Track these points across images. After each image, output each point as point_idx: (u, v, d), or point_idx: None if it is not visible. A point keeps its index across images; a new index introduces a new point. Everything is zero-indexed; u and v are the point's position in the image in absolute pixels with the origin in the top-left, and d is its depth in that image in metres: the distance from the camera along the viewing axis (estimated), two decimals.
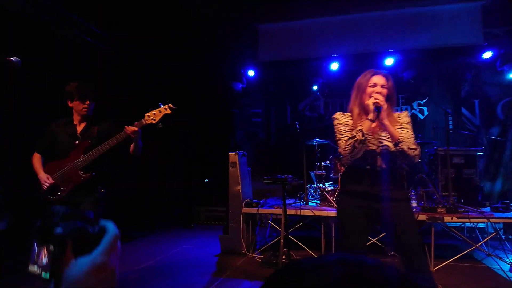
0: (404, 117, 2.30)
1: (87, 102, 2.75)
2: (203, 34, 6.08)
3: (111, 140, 2.65)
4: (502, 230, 4.59)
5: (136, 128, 2.67)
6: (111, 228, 0.47)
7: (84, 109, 2.75)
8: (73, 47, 4.94)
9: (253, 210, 4.63)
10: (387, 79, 2.21)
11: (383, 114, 2.10)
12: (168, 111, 2.72)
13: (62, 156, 2.72)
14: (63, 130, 2.78)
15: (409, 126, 2.25)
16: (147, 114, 2.72)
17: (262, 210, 4.67)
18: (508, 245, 4.29)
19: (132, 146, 2.80)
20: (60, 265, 0.45)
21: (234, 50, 6.71)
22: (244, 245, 4.59)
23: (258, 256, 4.47)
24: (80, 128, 2.81)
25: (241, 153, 4.94)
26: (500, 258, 3.97)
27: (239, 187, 4.75)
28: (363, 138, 2.08)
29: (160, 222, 6.58)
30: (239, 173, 4.79)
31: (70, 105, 2.77)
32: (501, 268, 3.81)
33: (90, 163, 2.66)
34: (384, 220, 2.13)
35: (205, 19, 5.59)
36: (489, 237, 4.15)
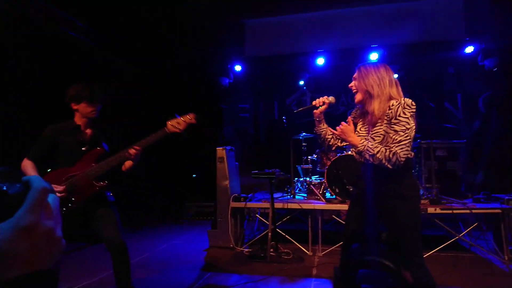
0: (396, 108, 1.87)
1: (97, 104, 2.54)
2: (190, 29, 6.03)
3: (118, 155, 2.44)
4: (483, 220, 4.72)
5: (138, 148, 2.43)
6: (36, 181, 0.40)
7: (93, 112, 2.53)
8: (60, 43, 4.85)
9: (241, 204, 4.65)
10: (357, 70, 2.13)
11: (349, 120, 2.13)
12: (193, 121, 2.52)
13: (66, 164, 2.46)
14: (68, 136, 2.51)
15: (401, 121, 1.83)
16: (169, 123, 2.50)
17: (250, 204, 4.69)
18: (489, 235, 4.41)
19: (128, 163, 2.55)
20: None
21: (221, 45, 6.68)
22: (232, 239, 4.61)
23: (246, 249, 4.51)
24: (88, 134, 2.59)
25: (228, 148, 4.94)
26: (482, 248, 4.09)
27: (227, 182, 4.75)
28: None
29: (149, 218, 6.55)
30: (226, 168, 4.79)
31: (75, 107, 2.52)
32: (483, 256, 3.93)
33: (104, 173, 2.44)
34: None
35: (192, 14, 5.55)
36: (471, 227, 4.26)
